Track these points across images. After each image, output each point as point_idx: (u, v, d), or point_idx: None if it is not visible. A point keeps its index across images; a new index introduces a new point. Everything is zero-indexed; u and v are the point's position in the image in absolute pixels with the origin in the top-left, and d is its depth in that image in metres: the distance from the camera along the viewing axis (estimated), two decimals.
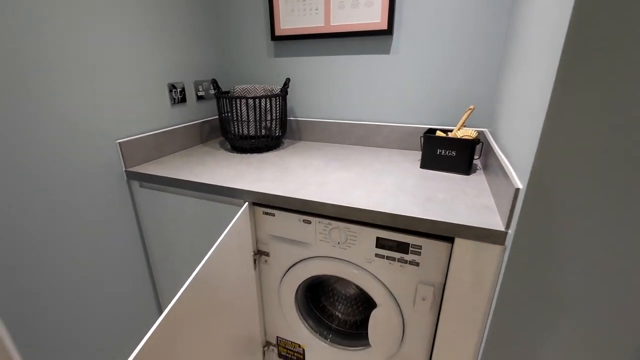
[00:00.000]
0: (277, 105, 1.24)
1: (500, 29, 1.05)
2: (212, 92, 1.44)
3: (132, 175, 1.07)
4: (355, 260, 0.87)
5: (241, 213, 0.86)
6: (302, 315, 1.06)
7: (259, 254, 1.01)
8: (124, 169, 1.07)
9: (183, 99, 1.29)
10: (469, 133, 1.01)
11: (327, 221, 0.86)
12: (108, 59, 0.98)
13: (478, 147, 1.14)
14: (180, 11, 1.22)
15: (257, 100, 1.19)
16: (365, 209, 0.78)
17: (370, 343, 0.95)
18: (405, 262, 0.81)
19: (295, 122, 1.46)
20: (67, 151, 0.90)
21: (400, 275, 0.83)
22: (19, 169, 0.80)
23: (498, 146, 0.89)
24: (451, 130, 1.09)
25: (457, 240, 0.71)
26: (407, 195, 0.85)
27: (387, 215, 0.76)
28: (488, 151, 0.99)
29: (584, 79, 0.48)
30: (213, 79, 1.26)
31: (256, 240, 1.00)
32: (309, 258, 0.94)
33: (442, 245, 0.75)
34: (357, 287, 1.15)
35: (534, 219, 0.58)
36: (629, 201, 0.50)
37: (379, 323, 0.91)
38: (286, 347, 1.14)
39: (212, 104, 1.46)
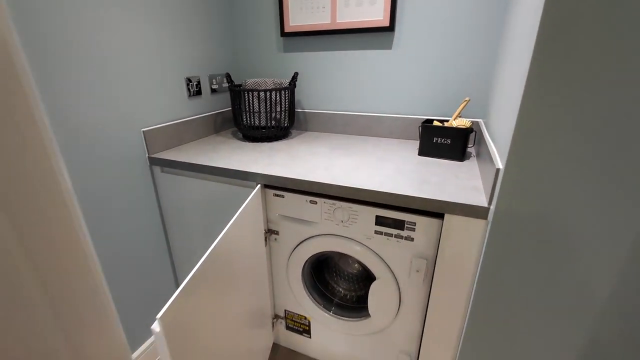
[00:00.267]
0: (286, 98, 1.33)
1: (495, 26, 1.12)
2: (226, 85, 1.54)
3: (154, 161, 1.18)
4: (357, 237, 0.97)
5: (254, 193, 0.96)
6: (307, 289, 1.16)
7: (270, 232, 1.11)
8: (147, 155, 1.17)
9: (199, 92, 1.39)
10: (463, 123, 1.09)
11: (331, 201, 0.96)
12: (135, 56, 1.07)
13: (472, 135, 1.22)
14: (198, 10, 1.31)
15: (267, 93, 1.29)
16: (366, 189, 0.87)
17: (370, 313, 1.05)
18: (402, 237, 0.90)
19: (302, 113, 1.55)
20: (101, 138, 1.00)
21: (396, 250, 0.92)
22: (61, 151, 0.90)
23: (489, 134, 0.98)
24: (448, 121, 1.17)
25: (447, 216, 0.80)
26: (404, 178, 0.94)
27: (386, 194, 0.85)
28: (481, 140, 1.07)
29: (552, 77, 0.56)
30: (227, 72, 1.36)
31: (267, 220, 1.10)
32: (315, 236, 1.04)
33: (434, 222, 0.84)
34: (358, 264, 1.25)
35: (511, 195, 0.66)
36: (590, 175, 0.59)
37: (377, 294, 1.01)
38: (293, 319, 1.25)
39: (225, 97, 1.56)
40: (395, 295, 0.98)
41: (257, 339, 1.10)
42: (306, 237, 1.05)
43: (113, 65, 1.01)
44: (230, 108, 1.60)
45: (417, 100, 1.32)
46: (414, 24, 1.23)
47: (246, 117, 1.33)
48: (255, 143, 1.34)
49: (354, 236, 0.97)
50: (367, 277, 1.25)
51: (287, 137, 1.45)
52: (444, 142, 1.07)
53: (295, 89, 1.54)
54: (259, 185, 1.00)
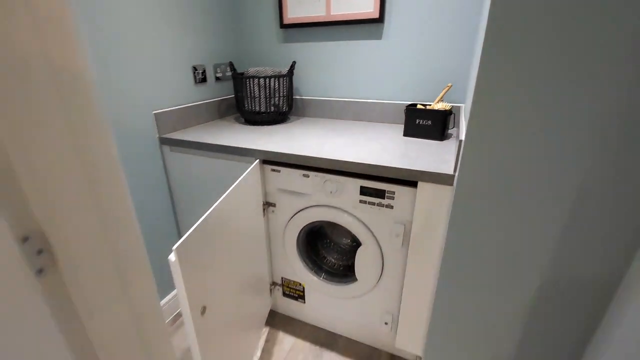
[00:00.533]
0: (285, 85, 1.45)
1: (472, 18, 1.22)
2: (229, 73, 1.66)
3: (164, 141, 1.30)
4: (344, 207, 1.09)
5: (253, 166, 1.08)
6: (301, 256, 1.29)
7: (267, 205, 1.24)
8: (157, 135, 1.30)
9: (204, 79, 1.51)
10: (444, 106, 1.20)
11: (322, 174, 1.08)
12: (150, 45, 1.20)
13: (451, 118, 1.33)
14: (204, 6, 1.43)
15: (267, 80, 1.40)
16: (351, 161, 0.99)
17: (357, 277, 1.17)
18: (383, 205, 1.02)
19: (300, 100, 1.67)
20: (118, 120, 1.13)
21: (379, 217, 1.04)
22: None
23: (464, 115, 1.08)
24: (431, 105, 1.28)
25: (420, 184, 0.92)
26: (387, 153, 1.05)
27: (367, 165, 0.96)
28: (460, 122, 1.18)
29: (501, 61, 0.67)
30: (230, 61, 1.47)
31: (265, 193, 1.22)
32: (308, 207, 1.16)
33: (410, 190, 0.96)
34: (347, 236, 1.37)
35: (470, 163, 0.77)
36: (538, 143, 0.70)
37: (363, 259, 1.13)
38: (289, 286, 1.38)
39: (228, 85, 1.68)
40: (379, 258, 1.10)
41: (257, 303, 1.23)
42: (300, 209, 1.18)
43: (130, 56, 1.13)
44: (233, 95, 1.72)
45: (405, 87, 1.43)
46: (401, 16, 1.33)
47: (248, 103, 1.45)
48: (256, 126, 1.46)
49: (342, 206, 1.09)
50: (354, 249, 1.37)
51: (285, 121, 1.57)
52: (425, 123, 1.18)
53: (294, 77, 1.65)
54: (257, 160, 1.12)
